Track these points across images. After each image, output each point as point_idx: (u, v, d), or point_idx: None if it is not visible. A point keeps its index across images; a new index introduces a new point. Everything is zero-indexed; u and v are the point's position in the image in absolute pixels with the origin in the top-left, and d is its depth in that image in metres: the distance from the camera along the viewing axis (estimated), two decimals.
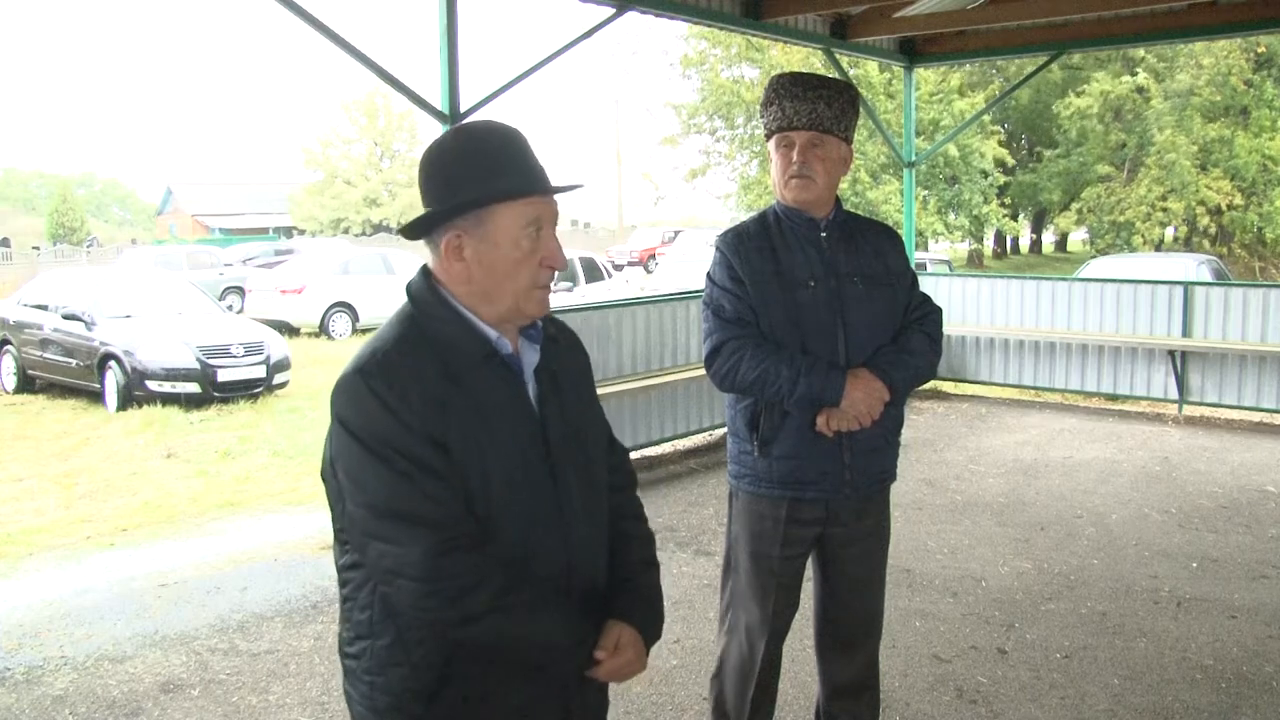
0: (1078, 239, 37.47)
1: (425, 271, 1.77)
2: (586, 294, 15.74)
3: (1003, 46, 9.68)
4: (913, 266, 3.08)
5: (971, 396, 10.00)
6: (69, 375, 11.91)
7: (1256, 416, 8.82)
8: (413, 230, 1.74)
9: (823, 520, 2.82)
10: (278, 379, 11.77)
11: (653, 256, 32.98)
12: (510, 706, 1.74)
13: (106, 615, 4.83)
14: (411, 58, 11.66)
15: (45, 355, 12.20)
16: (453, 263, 1.71)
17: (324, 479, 1.74)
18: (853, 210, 2.99)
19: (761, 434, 2.77)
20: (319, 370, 13.48)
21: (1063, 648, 4.28)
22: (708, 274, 2.87)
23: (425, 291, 1.74)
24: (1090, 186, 26.58)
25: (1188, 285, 8.99)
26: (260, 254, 27.55)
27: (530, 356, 1.79)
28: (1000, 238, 34.31)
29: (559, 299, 14.68)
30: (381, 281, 18.40)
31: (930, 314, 2.88)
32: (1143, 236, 24.95)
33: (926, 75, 22.98)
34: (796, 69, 21.42)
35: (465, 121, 1.81)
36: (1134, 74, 25.50)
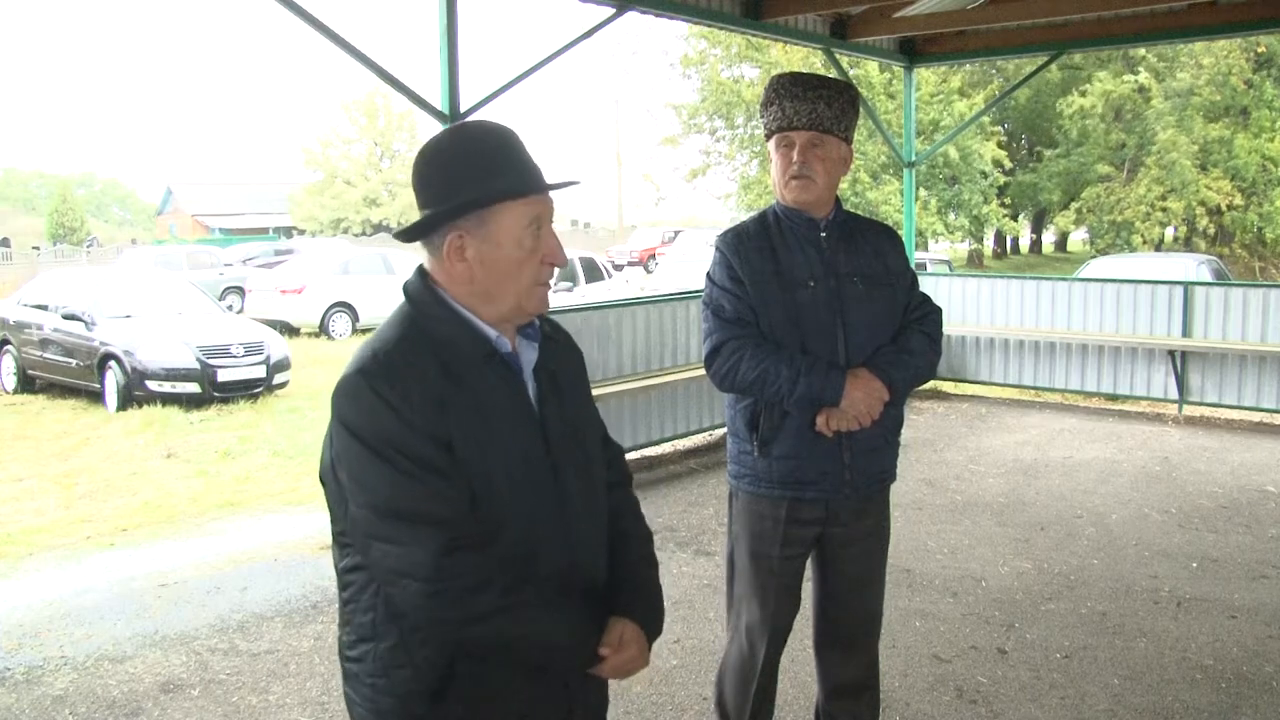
0: (1078, 239, 37.48)
1: (422, 272, 1.77)
2: (586, 294, 15.74)
3: (1003, 46, 9.68)
4: (912, 266, 3.08)
5: (971, 396, 10.00)
6: (69, 375, 11.91)
7: (1256, 416, 8.82)
8: (412, 233, 1.74)
9: (822, 520, 2.82)
10: (278, 379, 11.77)
11: (653, 256, 32.98)
12: (513, 705, 1.74)
13: (106, 615, 4.83)
14: (411, 58, 11.67)
15: (45, 355, 12.21)
16: (455, 263, 1.71)
17: (323, 482, 1.73)
18: (853, 210, 2.99)
19: (761, 434, 2.77)
20: (319, 370, 13.48)
21: (1063, 648, 4.28)
22: (707, 274, 2.87)
23: (423, 292, 1.74)
24: (1090, 186, 26.58)
25: (1188, 285, 8.99)
26: (260, 254, 27.55)
27: (529, 355, 1.80)
28: (1000, 238, 34.31)
29: (559, 299, 14.70)
30: (381, 281, 18.40)
31: (930, 314, 2.88)
32: (1142, 236, 24.95)
33: (927, 75, 22.98)
34: (797, 69, 21.37)
35: (458, 123, 1.81)
36: (1135, 73, 25.49)
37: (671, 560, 5.36)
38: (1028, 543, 5.64)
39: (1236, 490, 6.66)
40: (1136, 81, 25.41)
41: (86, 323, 11.67)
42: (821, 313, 2.73)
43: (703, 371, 2.90)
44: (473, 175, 1.69)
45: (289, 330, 17.33)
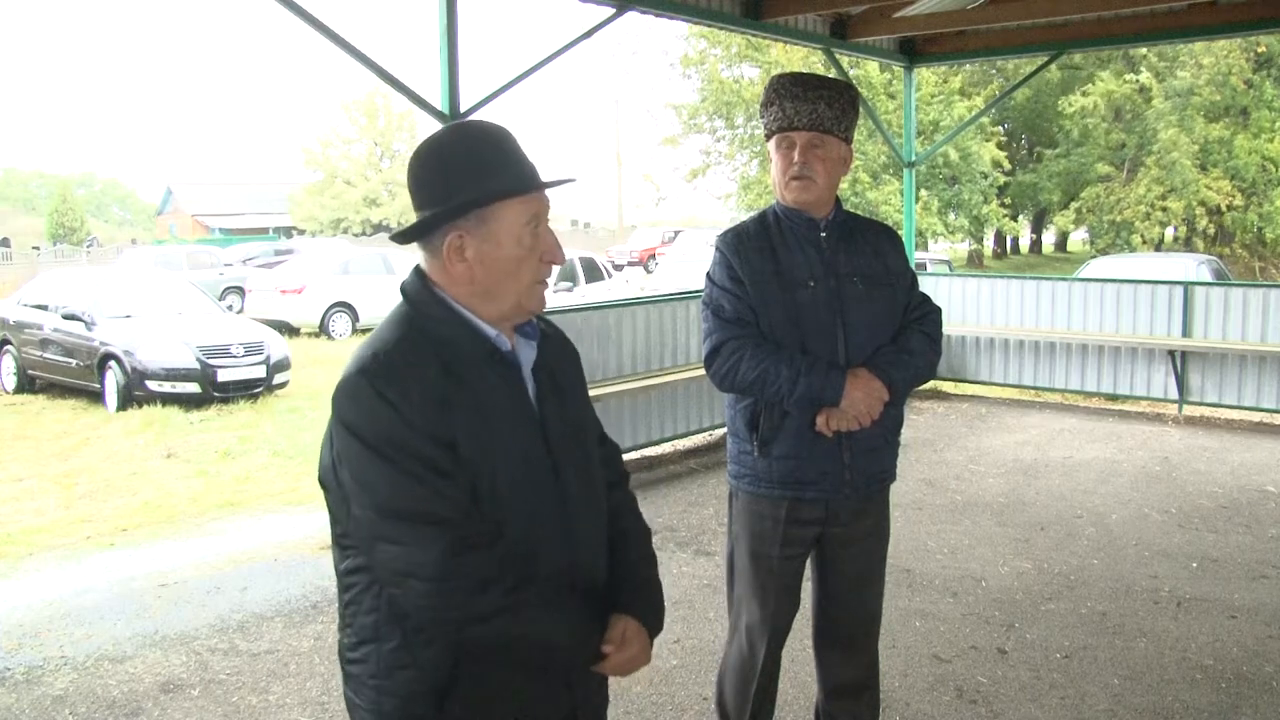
0: (1078, 239, 37.48)
1: (419, 273, 1.76)
2: (586, 294, 15.75)
3: (1003, 46, 9.68)
4: (912, 266, 3.08)
5: (971, 396, 10.00)
6: (69, 375, 11.91)
7: (1256, 416, 8.82)
8: (411, 235, 1.73)
9: (822, 520, 2.82)
10: (278, 379, 11.77)
11: (653, 256, 32.99)
12: (517, 704, 1.75)
13: (106, 615, 4.83)
14: (411, 58, 11.68)
15: (45, 355, 12.21)
16: (455, 264, 1.71)
17: (323, 485, 1.73)
18: (853, 210, 2.99)
19: (761, 434, 2.77)
20: (319, 370, 13.48)
21: (1063, 648, 4.28)
22: (707, 274, 2.87)
23: (422, 292, 1.74)
24: (1090, 186, 26.58)
25: (1188, 285, 9.00)
26: (260, 254, 27.56)
27: (527, 354, 1.80)
28: (1000, 238, 34.31)
29: (559, 299, 14.71)
30: (381, 281, 18.40)
31: (930, 314, 2.88)
32: (1142, 236, 24.95)
33: (927, 76, 22.98)
34: (797, 68, 21.37)
35: (453, 123, 1.80)
36: (1137, 72, 25.48)
37: (671, 560, 5.37)
38: (1028, 543, 5.64)
39: (1236, 490, 6.66)
40: (1138, 81, 25.41)
41: (86, 323, 11.67)
42: (821, 313, 2.73)
43: (703, 371, 2.90)
44: (471, 175, 1.68)
45: (289, 330, 17.33)
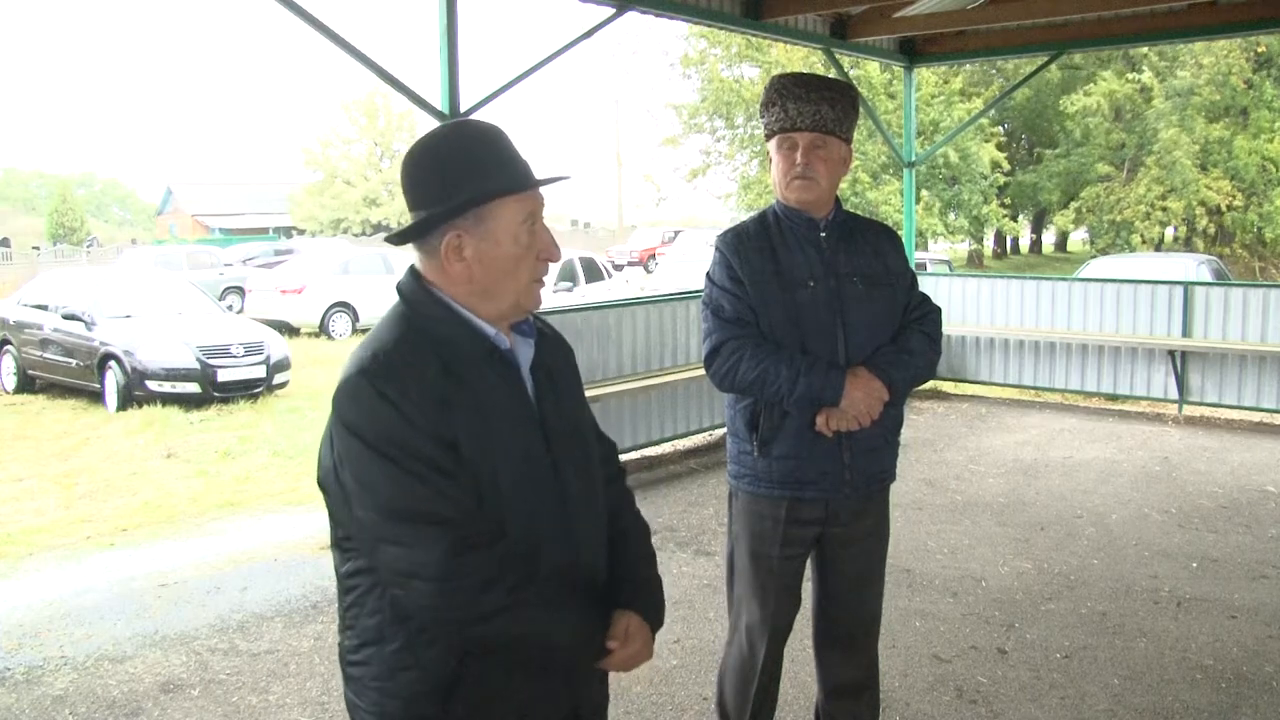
0: (1077, 239, 37.48)
1: (414, 273, 1.76)
2: (586, 294, 15.76)
3: (1003, 46, 9.68)
4: (912, 266, 3.08)
5: (971, 396, 10.00)
6: (69, 375, 11.91)
7: (1256, 416, 8.82)
8: (408, 235, 1.73)
9: (822, 520, 2.82)
10: (278, 379, 11.77)
11: (653, 256, 33.00)
12: (520, 703, 1.75)
13: (106, 615, 4.83)
14: (411, 58, 11.68)
15: (45, 355, 12.21)
16: (453, 263, 1.70)
17: (323, 487, 1.72)
18: (853, 210, 2.99)
19: (761, 434, 2.77)
20: (319, 370, 13.48)
21: (1063, 648, 4.28)
22: (707, 274, 2.88)
23: (419, 292, 1.73)
24: (1090, 186, 26.58)
25: (1188, 285, 9.00)
26: (260, 254, 27.58)
27: (525, 352, 1.80)
28: (1000, 238, 34.31)
29: (559, 299, 14.72)
30: (381, 281, 18.41)
31: (930, 314, 2.88)
32: (1142, 236, 24.95)
33: (927, 76, 22.98)
34: (797, 68, 21.38)
35: (446, 123, 1.80)
36: (1139, 72, 25.47)
37: (671, 560, 5.37)
38: (1028, 543, 5.64)
39: (1236, 490, 6.66)
40: (1140, 80, 25.41)
41: (86, 323, 11.67)
42: (821, 313, 2.73)
43: (703, 371, 2.90)
44: (467, 174, 1.68)
45: (289, 330, 17.33)
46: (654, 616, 1.88)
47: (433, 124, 5.69)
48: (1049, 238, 38.27)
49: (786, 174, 2.76)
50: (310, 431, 9.47)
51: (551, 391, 1.81)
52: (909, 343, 2.79)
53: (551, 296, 14.78)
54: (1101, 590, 4.94)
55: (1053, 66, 21.11)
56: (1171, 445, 7.92)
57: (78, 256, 37.89)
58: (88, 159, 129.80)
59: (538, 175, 1.75)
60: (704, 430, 8.05)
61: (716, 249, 2.85)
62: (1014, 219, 30.43)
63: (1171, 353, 8.77)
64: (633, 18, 7.08)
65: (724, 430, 4.20)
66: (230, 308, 18.21)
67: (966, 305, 9.95)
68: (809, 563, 2.95)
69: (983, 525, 5.97)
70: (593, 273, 17.42)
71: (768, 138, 2.82)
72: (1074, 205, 26.93)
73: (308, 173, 50.01)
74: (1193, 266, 13.43)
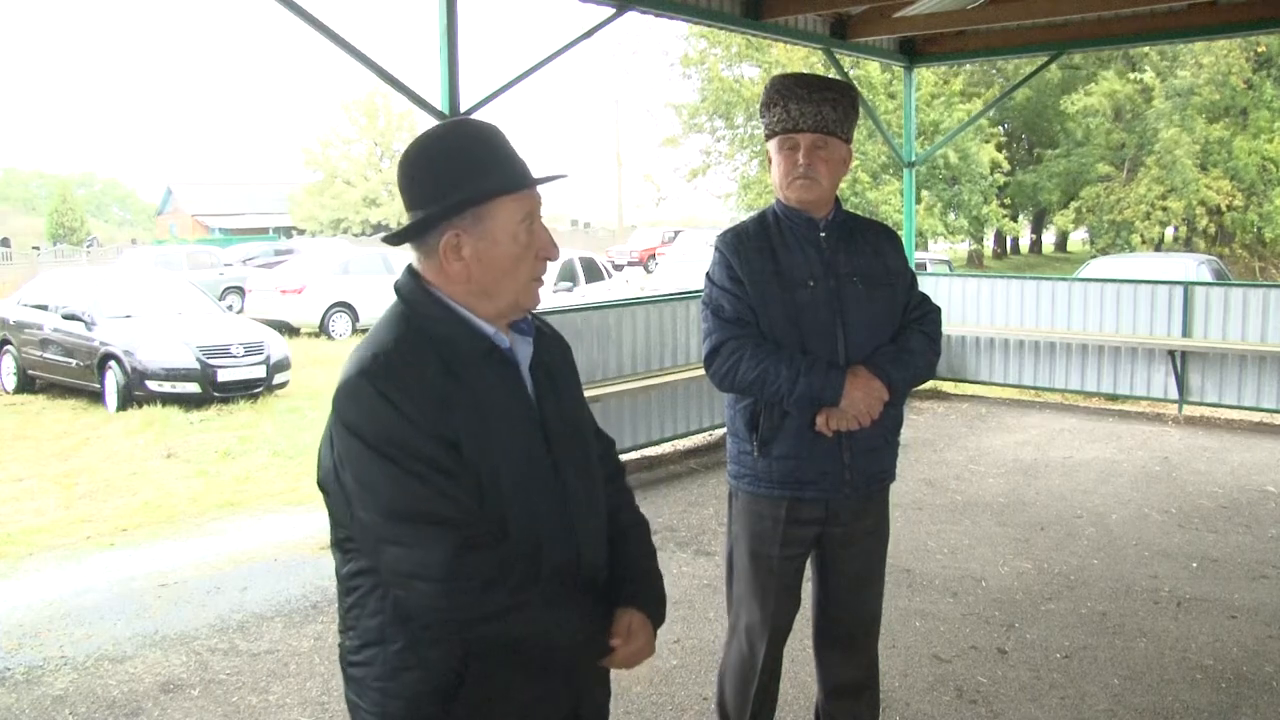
0: (1077, 239, 37.48)
1: (412, 272, 1.76)
2: (586, 294, 15.76)
3: (1003, 46, 9.68)
4: (912, 266, 3.08)
5: (971, 396, 10.00)
6: (69, 375, 11.91)
7: (1256, 416, 8.82)
8: (407, 235, 1.72)
9: (822, 520, 2.82)
10: (278, 379, 11.77)
11: (653, 256, 33.00)
12: (524, 701, 1.75)
13: (106, 615, 4.83)
14: (411, 58, 11.68)
15: (45, 355, 12.21)
16: (451, 263, 1.70)
17: (323, 488, 1.72)
18: (852, 210, 2.99)
19: (761, 434, 2.77)
20: (319, 370, 13.48)
21: (1063, 648, 4.28)
22: (707, 274, 2.88)
23: (417, 291, 1.73)
24: (1089, 186, 26.59)
25: (1188, 285, 8.99)
26: (260, 254, 27.58)
27: (524, 350, 1.79)
28: (1000, 238, 34.32)
29: (559, 299, 14.72)
30: (381, 281, 18.38)
31: (929, 313, 2.88)
32: (1142, 236, 24.96)
33: (927, 76, 22.98)
34: (798, 68, 21.35)
35: (442, 123, 1.80)
36: (1141, 71, 25.46)
37: (671, 560, 5.36)
38: (1028, 543, 5.64)
39: (1236, 490, 6.66)
40: (1141, 80, 25.41)
41: (86, 323, 11.67)
42: (821, 313, 2.73)
43: (703, 371, 2.90)
44: (465, 174, 1.68)
45: (289, 330, 17.33)
46: (656, 612, 1.88)
47: (432, 124, 5.70)
48: (1049, 238, 38.28)
49: (788, 174, 2.75)
50: (310, 431, 9.47)
51: (551, 390, 1.81)
52: (909, 342, 2.79)
53: (551, 296, 14.79)
54: (1101, 590, 4.94)
55: (1053, 66, 21.11)
56: (1171, 445, 7.92)
57: (78, 256, 37.89)
58: (88, 159, 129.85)
59: (535, 174, 1.75)
60: (704, 430, 8.05)
61: (716, 249, 2.85)
62: (1014, 219, 30.43)
63: (1171, 353, 8.77)
64: (633, 18, 7.08)
65: (724, 430, 4.20)
66: (230, 308, 18.21)
67: (966, 305, 9.95)
68: (809, 563, 2.95)
69: (983, 525, 5.97)
70: (593, 273, 17.42)
71: (768, 138, 2.82)
72: (1074, 205, 26.94)
73: (308, 173, 50.04)
74: (1193, 266, 13.43)
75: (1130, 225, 25.10)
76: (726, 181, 28.19)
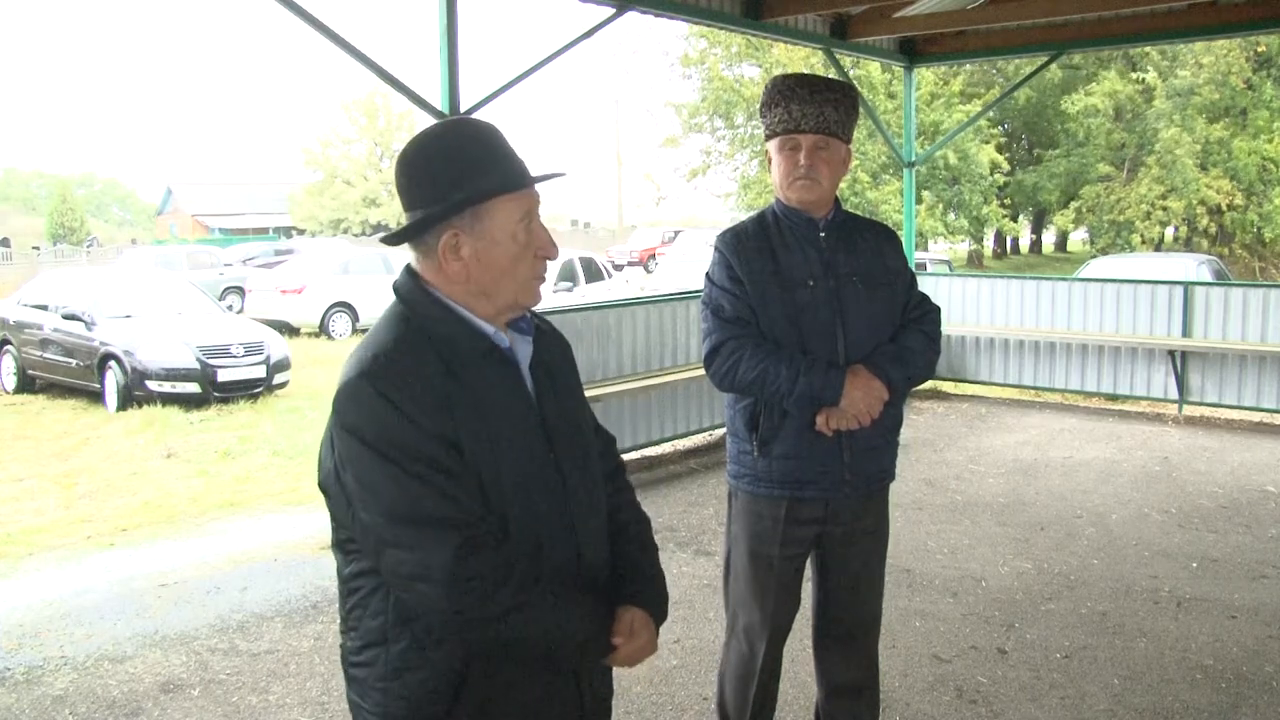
0: (1078, 239, 37.48)
1: (411, 272, 1.76)
2: (586, 294, 15.76)
3: (1003, 46, 9.68)
4: (911, 266, 3.08)
5: (971, 396, 10.00)
6: (69, 375, 11.91)
7: (1256, 416, 8.82)
8: (406, 235, 1.72)
9: (822, 520, 2.82)
10: (278, 379, 11.77)
11: (653, 256, 33.01)
12: (526, 700, 1.74)
13: (106, 615, 4.83)
14: (411, 58, 11.68)
15: (45, 355, 12.21)
16: (450, 262, 1.70)
17: (324, 490, 1.71)
18: (852, 210, 2.99)
19: (761, 434, 2.77)
20: (319, 370, 13.48)
21: (1063, 648, 4.28)
22: (707, 274, 2.88)
23: (416, 291, 1.73)
24: (1089, 186, 26.58)
25: (1188, 285, 8.99)
26: (260, 254, 27.60)
27: (524, 349, 1.79)
28: (1000, 238, 34.32)
29: (559, 299, 14.71)
30: (381, 281, 18.37)
31: (929, 313, 2.88)
32: (1142, 236, 24.95)
33: (927, 76, 22.97)
34: (799, 68, 21.31)
35: (440, 122, 1.80)
36: (1143, 70, 25.46)
37: (671, 560, 5.36)
38: (1028, 543, 5.64)
39: (1236, 490, 6.66)
40: (1143, 80, 25.41)
41: (86, 323, 11.67)
42: (821, 312, 2.73)
43: (703, 371, 2.90)
44: (464, 173, 1.68)
45: (289, 330, 17.33)
46: (658, 610, 1.88)
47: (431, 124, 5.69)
48: (1049, 238, 38.28)
49: (789, 175, 2.75)
50: (310, 431, 9.47)
51: (551, 389, 1.80)
52: (908, 342, 2.79)
53: (551, 296, 14.79)
54: (1101, 590, 4.94)
55: (1053, 66, 21.12)
56: (1171, 445, 7.92)
57: (78, 256, 37.90)
58: (88, 159, 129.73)
59: (534, 172, 1.75)
60: (704, 430, 8.05)
61: (716, 249, 2.85)
62: (1014, 219, 30.43)
63: (1171, 353, 8.77)
64: (633, 18, 7.08)
65: (724, 430, 4.20)
66: (230, 308, 18.22)
67: (966, 305, 9.95)
68: (808, 562, 2.95)
69: (983, 525, 5.97)
70: (593, 273, 17.42)
71: (769, 138, 2.82)
72: (1074, 205, 26.94)
73: (308, 173, 50.06)
74: (1193, 266, 13.43)
75: (1130, 225, 25.11)
76: (726, 181, 28.22)
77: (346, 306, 18.62)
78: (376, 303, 17.95)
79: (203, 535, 6.27)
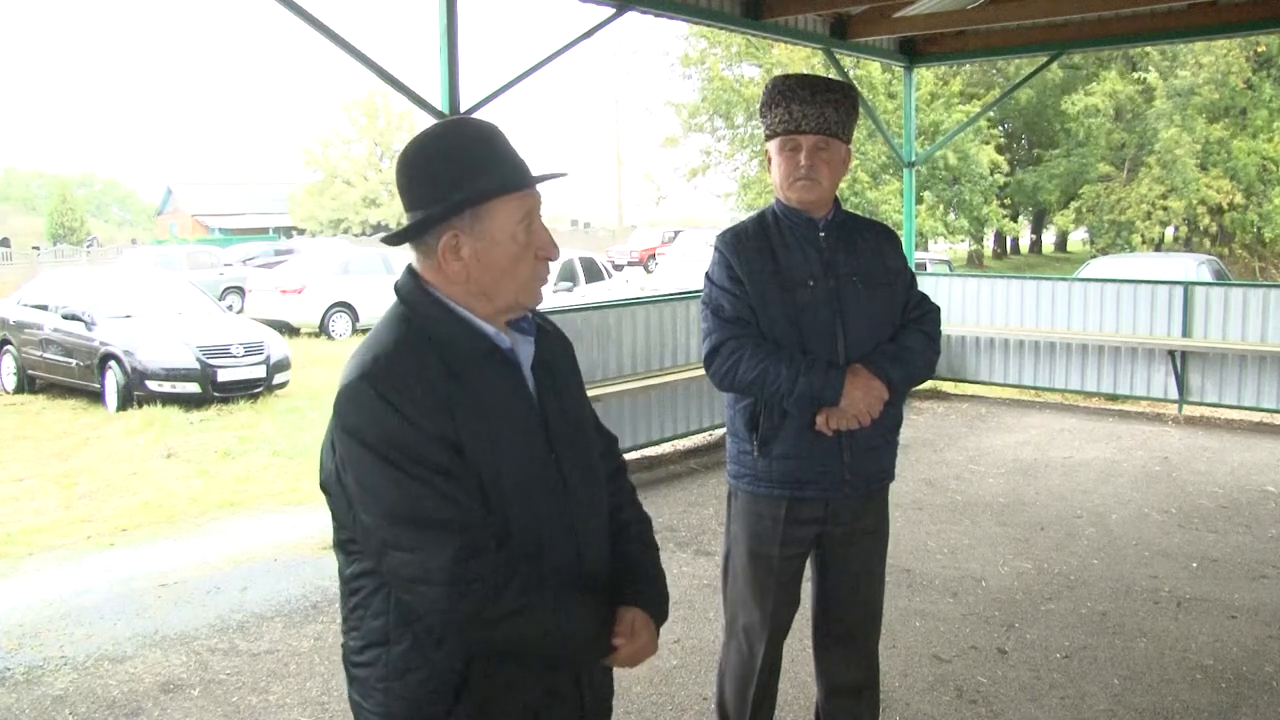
0: (1078, 239, 37.48)
1: (412, 273, 1.75)
2: (586, 294, 15.76)
3: (1003, 46, 9.68)
4: (911, 266, 3.08)
5: (971, 396, 10.00)
6: (69, 375, 11.91)
7: (1256, 416, 8.82)
8: (406, 235, 1.72)
9: (822, 519, 2.83)
10: (278, 379, 11.77)
11: (653, 256, 33.01)
12: (528, 700, 1.75)
13: (106, 615, 4.83)
14: (411, 58, 11.68)
15: (45, 355, 12.21)
16: (450, 263, 1.70)
17: (325, 490, 1.71)
18: (852, 210, 2.99)
19: (761, 434, 2.77)
20: (319, 370, 13.49)
21: (1063, 648, 4.28)
22: (706, 274, 2.88)
23: (416, 292, 1.73)
24: (1089, 186, 26.58)
25: (1188, 285, 8.99)
26: (260, 254, 27.60)
27: (525, 350, 1.79)
28: (1000, 238, 34.32)
29: (559, 299, 14.72)
30: (381, 281, 18.39)
31: (928, 313, 2.88)
32: (1142, 236, 24.95)
33: (927, 76, 22.97)
34: (799, 68, 21.30)
35: (441, 121, 1.79)
36: (1145, 70, 25.46)
37: (671, 560, 5.36)
38: (1028, 543, 5.64)
39: (1236, 490, 6.66)
40: (1144, 80, 25.41)
41: (86, 323, 11.67)
42: (821, 312, 2.73)
43: (703, 371, 2.90)
44: (464, 173, 1.67)
45: (289, 330, 17.33)
46: (659, 610, 1.88)
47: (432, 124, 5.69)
48: (1049, 238, 38.28)
49: (790, 175, 2.75)
50: (310, 431, 9.47)
51: (553, 389, 1.80)
52: (908, 341, 2.79)
53: (551, 296, 14.79)
54: (1101, 590, 4.94)
55: (1053, 66, 21.12)
56: (1171, 445, 7.92)
57: (78, 256, 37.90)
58: (88, 159, 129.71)
59: (535, 173, 1.75)
60: (704, 430, 8.05)
61: (716, 249, 2.85)
62: (1014, 219, 30.43)
63: (1171, 353, 8.77)
64: (633, 18, 7.08)
65: (724, 430, 4.20)
66: (230, 308, 18.22)
67: (966, 305, 9.95)
68: (808, 562, 2.95)
69: (983, 525, 5.97)
70: (593, 273, 17.43)
71: (769, 138, 2.82)
72: (1074, 205, 26.94)
73: (308, 173, 50.07)
74: (1193, 266, 13.43)
75: (1131, 225, 25.11)
76: (726, 181, 28.22)
77: (346, 306, 18.62)
78: (376, 303, 17.96)
79: (203, 535, 6.27)
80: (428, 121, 5.61)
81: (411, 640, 1.68)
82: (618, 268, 26.41)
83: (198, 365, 11.10)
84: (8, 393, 12.65)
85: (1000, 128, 29.03)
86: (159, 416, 10.40)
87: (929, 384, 9.76)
